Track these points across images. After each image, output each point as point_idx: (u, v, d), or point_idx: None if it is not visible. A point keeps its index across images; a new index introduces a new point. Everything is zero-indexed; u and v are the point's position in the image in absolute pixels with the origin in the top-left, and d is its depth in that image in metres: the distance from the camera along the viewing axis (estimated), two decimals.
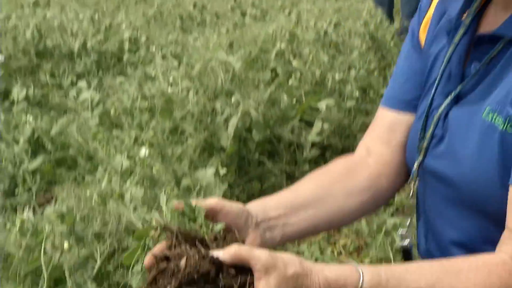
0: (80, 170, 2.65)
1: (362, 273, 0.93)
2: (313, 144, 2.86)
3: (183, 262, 0.88)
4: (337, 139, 2.95)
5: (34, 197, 2.58)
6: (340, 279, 0.92)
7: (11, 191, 2.67)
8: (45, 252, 1.57)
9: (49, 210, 1.65)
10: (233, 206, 1.04)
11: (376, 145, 1.23)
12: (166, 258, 0.90)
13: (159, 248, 0.94)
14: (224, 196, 2.40)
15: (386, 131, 1.22)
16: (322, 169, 1.24)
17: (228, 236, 0.98)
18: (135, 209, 1.80)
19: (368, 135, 1.26)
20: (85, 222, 1.76)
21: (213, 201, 1.03)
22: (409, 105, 1.20)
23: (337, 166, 1.24)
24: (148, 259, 0.93)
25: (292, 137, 2.87)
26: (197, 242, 0.92)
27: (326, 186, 1.18)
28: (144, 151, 2.14)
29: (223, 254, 0.90)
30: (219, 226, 0.99)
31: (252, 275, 0.89)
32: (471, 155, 1.03)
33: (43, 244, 1.57)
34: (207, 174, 2.14)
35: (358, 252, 2.67)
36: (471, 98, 1.07)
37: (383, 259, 2.52)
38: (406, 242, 1.17)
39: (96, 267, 1.65)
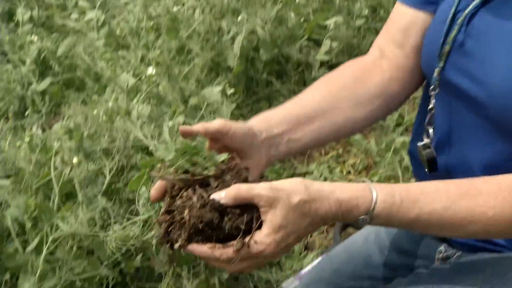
0: (88, 91, 2.66)
1: (376, 193, 0.92)
2: (321, 64, 2.83)
3: (186, 213, 0.89)
4: (346, 58, 2.91)
5: (43, 118, 2.61)
6: (352, 200, 0.91)
7: (20, 112, 2.70)
8: (55, 167, 1.61)
9: (57, 126, 1.68)
10: (239, 127, 1.02)
11: (390, 47, 1.17)
12: (171, 211, 0.92)
13: (158, 187, 0.96)
14: (232, 116, 2.42)
15: (401, 32, 1.16)
16: (331, 74, 1.19)
17: (232, 166, 0.97)
18: (142, 125, 1.82)
19: (382, 35, 1.20)
20: (93, 139, 1.79)
21: (219, 122, 1.01)
22: (428, 3, 1.13)
23: (346, 72, 1.18)
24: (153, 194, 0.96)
25: (300, 56, 2.84)
26: (196, 187, 0.93)
27: (333, 96, 1.14)
28: (151, 70, 2.14)
29: (225, 198, 0.90)
30: (222, 158, 0.98)
31: (258, 210, 0.90)
32: (503, 67, 0.96)
33: (52, 159, 1.60)
34: (213, 92, 2.15)
35: (367, 171, 2.70)
36: (504, 2, 0.99)
37: (392, 177, 2.55)
38: (429, 151, 1.11)
39: (106, 182, 1.69)
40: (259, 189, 0.89)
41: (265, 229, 0.90)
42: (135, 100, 1.99)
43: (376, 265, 1.29)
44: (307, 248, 2.23)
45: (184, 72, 2.36)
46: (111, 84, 2.45)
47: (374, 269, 1.29)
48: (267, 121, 1.10)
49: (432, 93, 1.10)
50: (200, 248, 0.91)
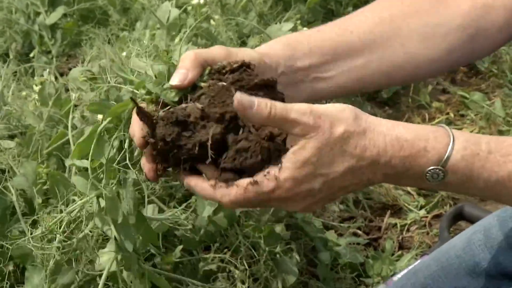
0: (113, 27, 2.67)
1: (453, 137, 0.89)
2: None
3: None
4: None
5: (54, 61, 2.65)
6: (419, 141, 0.88)
7: (24, 53, 2.74)
8: (73, 126, 1.62)
9: (76, 70, 1.69)
10: (245, 56, 0.99)
11: None
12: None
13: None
14: None
15: None
16: None
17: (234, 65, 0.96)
18: None
19: None
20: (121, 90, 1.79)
21: (218, 51, 0.99)
22: None
23: None
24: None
25: None
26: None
27: (393, 21, 1.08)
28: None
29: (256, 111, 0.88)
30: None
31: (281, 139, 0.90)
32: None
33: (70, 116, 1.61)
34: (281, 30, 2.11)
35: None
36: None
37: None
38: None
39: (138, 148, 1.69)
40: (296, 113, 0.87)
41: (285, 161, 0.88)
42: (177, 39, 1.97)
43: (488, 276, 1.25)
44: (402, 246, 2.20)
45: (242, 3, 2.32)
46: (144, 18, 2.44)
47: (484, 280, 1.25)
48: (290, 50, 1.05)
49: None
50: (197, 182, 0.91)
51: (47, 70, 1.88)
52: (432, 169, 0.88)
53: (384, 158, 0.88)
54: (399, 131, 0.88)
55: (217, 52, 0.99)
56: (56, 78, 2.41)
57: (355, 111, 0.88)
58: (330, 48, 1.05)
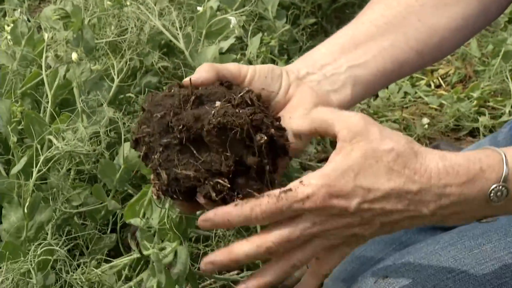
0: None
1: (503, 151, 0.86)
2: None
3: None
4: None
5: (25, 2, 2.62)
6: (473, 164, 0.85)
7: None
8: (47, 65, 1.62)
9: (49, 9, 1.68)
10: (261, 70, 0.97)
11: None
12: None
13: None
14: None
15: None
16: None
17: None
18: (161, 12, 1.81)
19: None
20: (95, 29, 1.80)
21: (231, 65, 0.96)
22: None
23: None
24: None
25: None
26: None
27: (401, 3, 1.08)
28: None
29: (299, 122, 0.88)
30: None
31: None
32: None
33: (44, 55, 1.62)
34: None
35: (464, 84, 2.66)
36: None
37: (499, 93, 2.51)
38: None
39: (114, 87, 1.70)
40: (347, 113, 0.85)
41: (324, 167, 0.84)
42: None
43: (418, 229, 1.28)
44: None
45: None
46: None
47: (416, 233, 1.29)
48: (307, 56, 1.04)
49: None
50: (216, 210, 0.85)
51: (19, 9, 1.86)
52: (495, 187, 0.85)
53: (437, 185, 0.84)
54: (451, 157, 0.85)
55: (231, 65, 0.96)
56: (28, 20, 2.39)
57: (408, 138, 0.85)
58: (348, 41, 1.04)
